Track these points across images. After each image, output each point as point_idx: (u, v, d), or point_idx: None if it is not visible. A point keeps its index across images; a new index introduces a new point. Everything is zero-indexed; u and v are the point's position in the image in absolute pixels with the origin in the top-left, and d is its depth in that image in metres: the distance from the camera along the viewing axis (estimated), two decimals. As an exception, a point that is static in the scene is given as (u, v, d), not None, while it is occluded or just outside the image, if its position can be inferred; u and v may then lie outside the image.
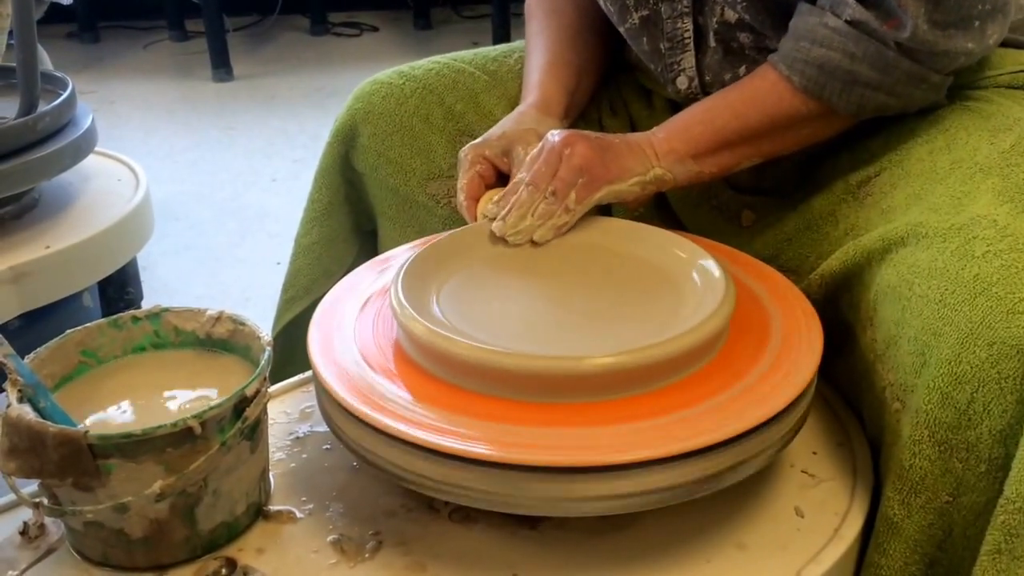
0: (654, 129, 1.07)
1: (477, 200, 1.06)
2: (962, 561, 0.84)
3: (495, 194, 1.05)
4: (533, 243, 1.01)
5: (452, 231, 1.02)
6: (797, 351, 0.88)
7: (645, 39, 1.16)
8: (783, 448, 0.85)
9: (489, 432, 0.79)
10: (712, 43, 1.12)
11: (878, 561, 0.86)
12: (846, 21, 0.98)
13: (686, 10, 1.11)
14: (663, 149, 1.04)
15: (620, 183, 1.02)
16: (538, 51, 1.21)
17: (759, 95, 1.04)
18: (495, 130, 1.10)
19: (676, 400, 0.82)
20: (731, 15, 1.09)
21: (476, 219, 1.05)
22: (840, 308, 0.98)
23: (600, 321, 0.91)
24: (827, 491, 0.90)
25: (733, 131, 1.04)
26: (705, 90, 1.15)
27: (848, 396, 1.01)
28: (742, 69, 1.12)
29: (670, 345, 0.83)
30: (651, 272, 0.98)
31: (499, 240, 1.01)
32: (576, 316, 0.92)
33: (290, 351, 1.24)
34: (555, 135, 1.02)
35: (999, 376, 0.79)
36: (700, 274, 0.94)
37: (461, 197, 1.07)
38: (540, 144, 1.03)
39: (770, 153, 1.07)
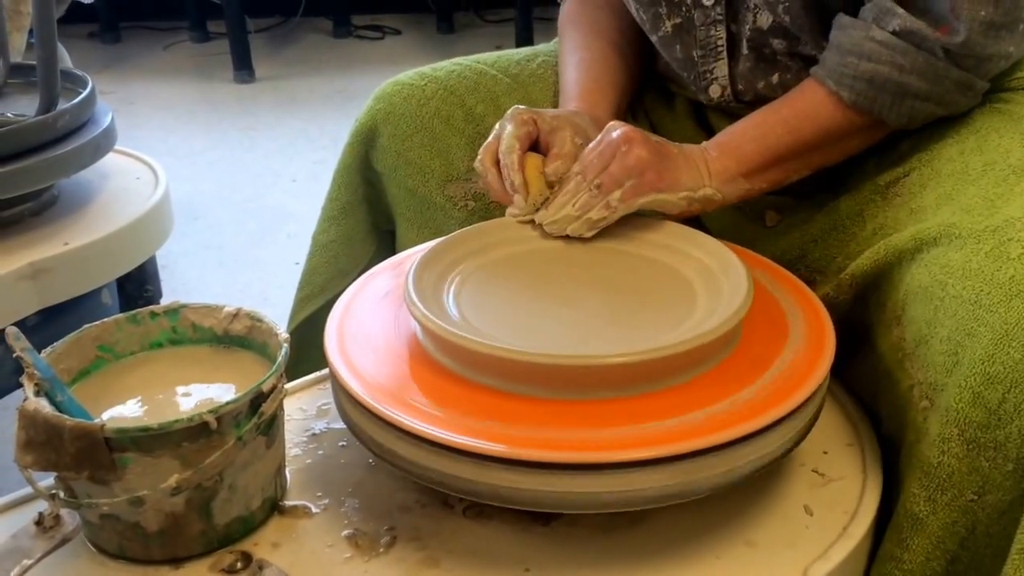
0: (706, 145, 1.06)
1: (525, 152, 1.03)
2: (983, 558, 0.85)
3: (536, 160, 1.03)
4: (567, 237, 1.01)
5: (468, 227, 1.03)
6: (811, 352, 0.88)
7: (678, 47, 1.16)
8: (794, 447, 0.85)
9: (504, 429, 0.80)
10: (745, 50, 1.12)
11: (900, 556, 0.87)
12: (893, 32, 0.98)
13: (719, 17, 1.11)
14: (716, 168, 1.04)
15: (669, 194, 1.01)
16: (581, 68, 1.20)
17: (810, 111, 1.03)
18: (549, 110, 1.08)
19: (689, 399, 0.83)
20: (764, 21, 1.08)
21: (522, 171, 1.02)
22: (867, 307, 0.98)
23: (614, 319, 0.91)
24: (837, 490, 0.91)
25: (785, 147, 1.04)
26: (737, 97, 1.15)
27: (866, 394, 1.00)
28: (775, 76, 1.12)
29: (685, 344, 0.83)
30: (666, 271, 0.98)
31: (519, 233, 1.02)
32: (590, 314, 0.92)
33: (304, 349, 1.24)
34: (616, 130, 1.01)
35: None
36: (718, 272, 0.95)
37: (513, 146, 1.02)
38: (600, 135, 1.02)
39: (819, 165, 1.07)
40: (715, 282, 0.94)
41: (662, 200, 1.01)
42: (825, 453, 0.94)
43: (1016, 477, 0.81)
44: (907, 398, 0.90)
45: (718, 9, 1.11)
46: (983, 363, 0.81)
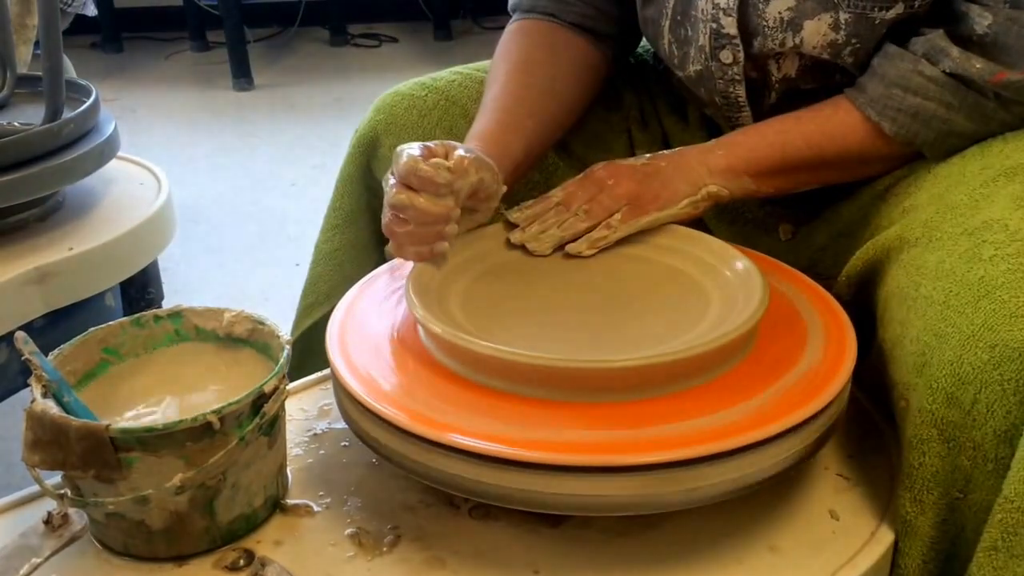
0: (712, 144, 1.06)
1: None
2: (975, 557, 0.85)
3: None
4: (565, 255, 1.01)
5: (470, 230, 1.02)
6: (831, 354, 0.87)
7: (702, 90, 1.15)
8: (816, 451, 0.84)
9: (509, 430, 0.79)
10: (773, 99, 1.12)
11: (899, 562, 0.87)
12: (945, 72, 0.97)
13: (737, 77, 1.09)
14: (719, 166, 1.04)
15: (670, 208, 1.02)
16: (494, 107, 1.11)
17: (837, 132, 1.03)
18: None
19: (705, 402, 0.82)
20: (791, 67, 1.08)
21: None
22: (868, 307, 0.98)
23: (623, 322, 0.92)
24: (863, 494, 0.89)
25: (802, 160, 1.03)
26: None
27: (870, 395, 1.00)
28: (800, 108, 1.11)
29: (700, 347, 0.83)
30: (674, 273, 0.99)
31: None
32: (598, 316, 0.93)
33: (308, 356, 1.25)
34: (601, 167, 1.02)
35: (1001, 379, 0.79)
36: (728, 274, 0.95)
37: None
38: (583, 173, 1.04)
39: (832, 181, 1.07)
40: (727, 284, 0.94)
41: (664, 216, 1.02)
42: (850, 457, 0.93)
43: (997, 476, 0.81)
44: (892, 399, 0.90)
45: (735, 68, 1.09)
46: (952, 364, 0.81)
